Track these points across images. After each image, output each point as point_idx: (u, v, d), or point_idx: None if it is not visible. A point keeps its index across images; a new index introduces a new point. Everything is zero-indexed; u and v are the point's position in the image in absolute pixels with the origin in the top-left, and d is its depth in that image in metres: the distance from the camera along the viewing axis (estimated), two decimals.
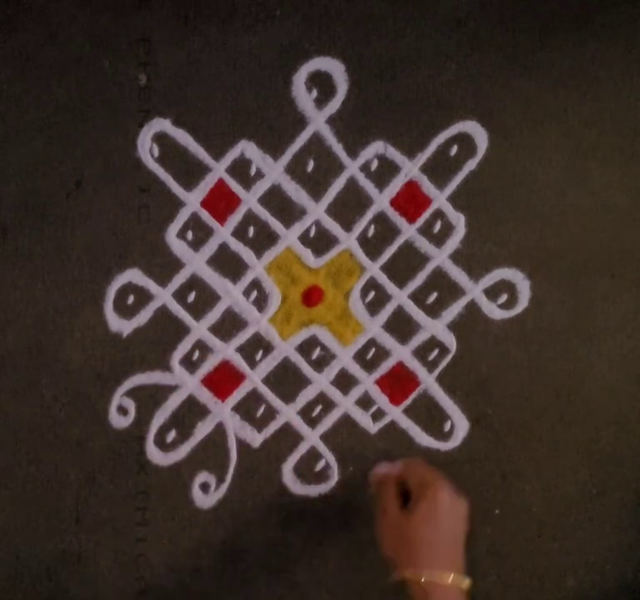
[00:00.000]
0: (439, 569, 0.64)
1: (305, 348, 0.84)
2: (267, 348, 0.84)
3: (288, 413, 0.85)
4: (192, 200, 0.81)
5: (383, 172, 0.82)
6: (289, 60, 0.80)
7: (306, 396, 0.85)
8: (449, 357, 0.85)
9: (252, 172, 0.81)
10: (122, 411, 0.84)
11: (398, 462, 0.77)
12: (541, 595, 0.89)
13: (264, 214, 0.82)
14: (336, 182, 0.82)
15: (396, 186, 0.82)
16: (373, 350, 0.85)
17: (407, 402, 0.86)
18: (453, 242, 0.83)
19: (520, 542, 0.88)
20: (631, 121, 0.82)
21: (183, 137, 0.80)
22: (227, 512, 0.86)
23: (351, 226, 0.83)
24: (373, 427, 0.86)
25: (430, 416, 0.86)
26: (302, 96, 0.80)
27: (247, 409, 0.85)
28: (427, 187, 0.82)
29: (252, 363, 0.84)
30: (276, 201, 0.82)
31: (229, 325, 0.84)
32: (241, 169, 0.81)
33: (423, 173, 0.82)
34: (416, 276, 0.84)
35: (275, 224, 0.82)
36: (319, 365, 0.85)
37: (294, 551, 0.87)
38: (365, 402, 0.85)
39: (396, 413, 0.86)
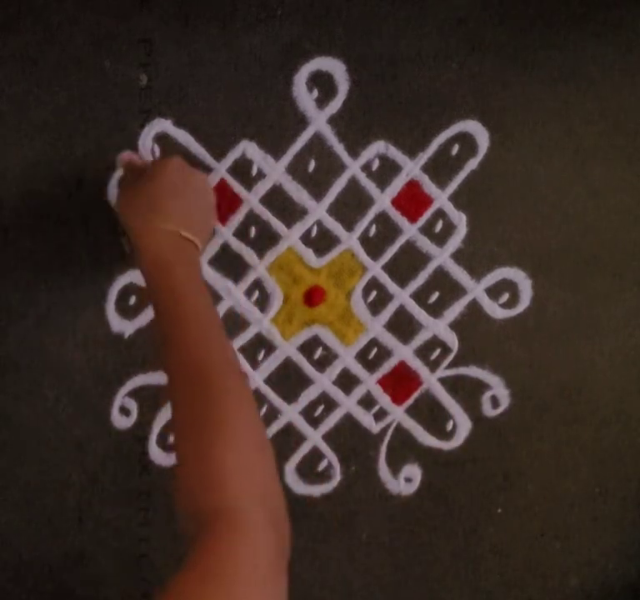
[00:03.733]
0: (162, 219, 0.62)
1: (307, 348, 0.84)
2: (269, 348, 0.84)
3: (290, 413, 0.85)
4: None
5: (384, 172, 0.82)
6: (290, 60, 0.80)
7: (308, 396, 0.85)
8: (451, 357, 0.85)
9: (254, 172, 0.81)
10: (125, 411, 0.84)
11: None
12: (544, 594, 0.89)
13: (266, 214, 0.82)
14: (337, 181, 0.82)
15: (397, 185, 0.82)
16: (375, 350, 0.85)
17: (409, 401, 0.86)
18: (455, 242, 0.83)
19: (523, 542, 0.88)
20: (632, 120, 0.82)
21: (184, 138, 0.80)
22: None
23: (352, 226, 0.83)
24: (375, 427, 0.86)
25: (432, 415, 0.86)
26: (303, 96, 0.80)
27: None
28: (429, 186, 0.82)
29: (254, 363, 0.84)
30: (277, 201, 0.82)
31: (231, 325, 0.84)
32: (242, 169, 0.81)
33: (425, 173, 0.82)
34: (417, 275, 0.84)
35: (276, 224, 0.82)
36: (321, 365, 0.85)
37: (296, 551, 0.86)
38: (367, 401, 0.85)
39: (398, 413, 0.86)
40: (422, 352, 0.85)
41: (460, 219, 0.83)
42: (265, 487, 0.48)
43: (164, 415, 0.84)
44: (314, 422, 0.85)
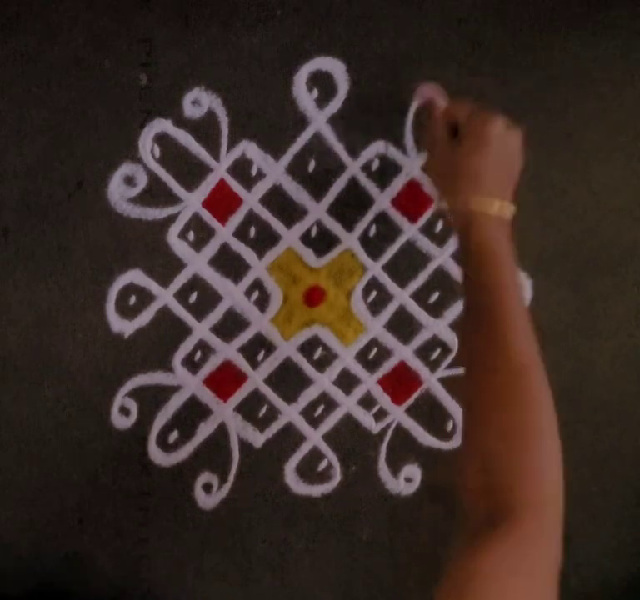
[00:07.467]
0: (484, 196, 0.59)
1: (307, 348, 0.84)
2: (269, 348, 0.84)
3: (290, 413, 0.85)
4: (194, 200, 0.81)
5: (384, 172, 0.82)
6: (290, 60, 0.80)
7: (308, 396, 0.85)
8: (451, 357, 0.85)
9: (254, 172, 0.81)
10: (125, 411, 0.84)
11: (445, 97, 0.73)
12: None
13: (265, 214, 0.82)
14: (337, 181, 0.82)
15: (397, 185, 0.82)
16: (375, 350, 0.85)
17: (410, 401, 0.86)
18: (455, 242, 0.83)
19: None
20: (632, 120, 0.83)
21: (184, 138, 0.80)
22: (230, 512, 0.86)
23: (352, 225, 0.83)
24: (376, 427, 0.86)
25: (432, 415, 0.86)
26: (303, 96, 0.80)
27: (249, 409, 0.85)
28: (429, 186, 0.82)
29: (254, 363, 0.84)
30: (277, 201, 0.82)
31: (231, 325, 0.84)
32: (242, 169, 0.81)
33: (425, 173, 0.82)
34: (418, 275, 0.84)
35: (276, 224, 0.82)
36: (321, 365, 0.85)
37: (297, 551, 0.87)
38: (367, 401, 0.85)
39: (398, 413, 0.86)
40: (422, 352, 0.85)
41: None
42: (560, 494, 0.53)
43: (164, 415, 0.84)
44: (314, 422, 0.85)
